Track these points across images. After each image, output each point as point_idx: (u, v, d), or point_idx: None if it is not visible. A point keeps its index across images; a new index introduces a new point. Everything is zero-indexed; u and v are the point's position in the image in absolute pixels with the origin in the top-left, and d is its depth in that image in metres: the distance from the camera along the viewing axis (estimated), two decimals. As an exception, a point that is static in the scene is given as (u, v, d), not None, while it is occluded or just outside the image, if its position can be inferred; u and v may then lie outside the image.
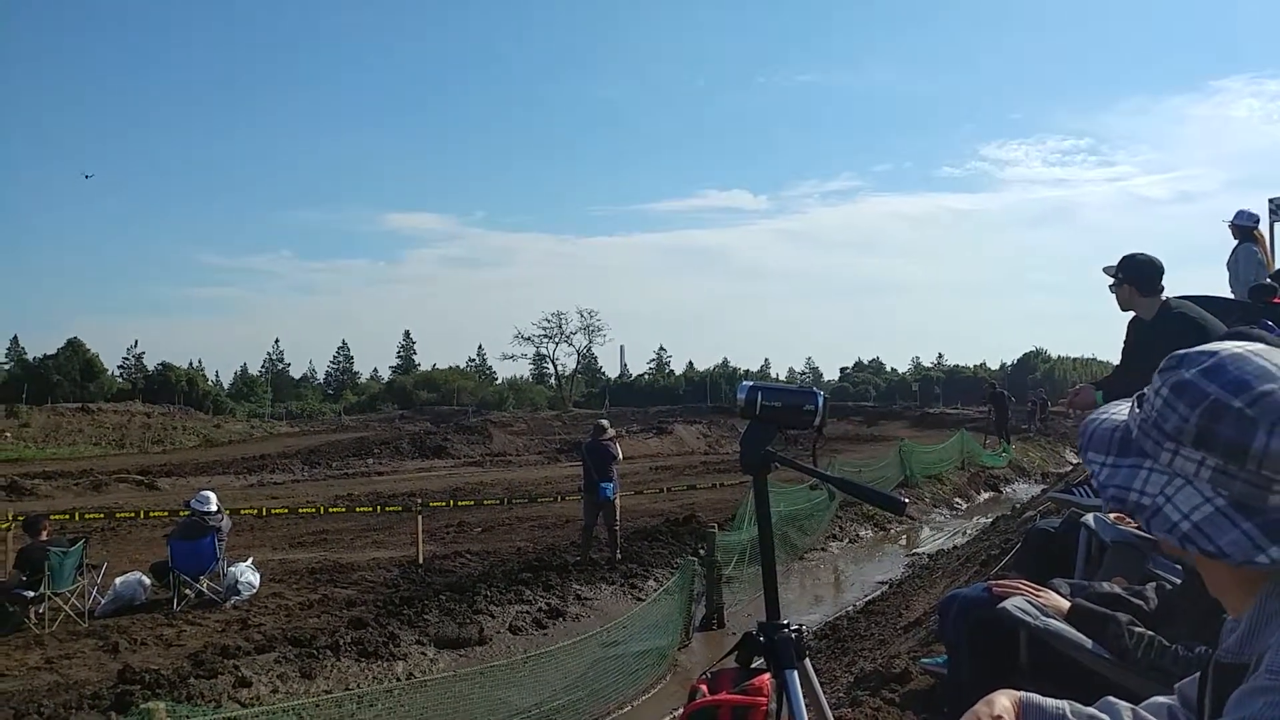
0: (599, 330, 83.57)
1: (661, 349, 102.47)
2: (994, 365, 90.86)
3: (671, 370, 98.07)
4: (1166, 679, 1.87)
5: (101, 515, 15.76)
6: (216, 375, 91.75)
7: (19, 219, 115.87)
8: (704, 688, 2.18)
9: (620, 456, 13.48)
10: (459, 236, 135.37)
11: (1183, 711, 1.32)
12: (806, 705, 1.98)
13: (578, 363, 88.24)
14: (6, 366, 74.83)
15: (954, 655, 3.54)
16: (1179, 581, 3.21)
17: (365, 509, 17.93)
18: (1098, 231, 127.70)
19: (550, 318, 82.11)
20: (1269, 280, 7.52)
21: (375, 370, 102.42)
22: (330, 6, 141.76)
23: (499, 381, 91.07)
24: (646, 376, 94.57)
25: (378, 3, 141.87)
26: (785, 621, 2.06)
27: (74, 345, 66.13)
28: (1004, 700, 1.40)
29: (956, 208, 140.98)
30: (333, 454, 32.91)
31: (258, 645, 9.06)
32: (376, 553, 14.41)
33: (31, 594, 10.07)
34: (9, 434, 37.75)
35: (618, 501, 13.06)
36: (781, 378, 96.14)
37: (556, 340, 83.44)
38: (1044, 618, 2.96)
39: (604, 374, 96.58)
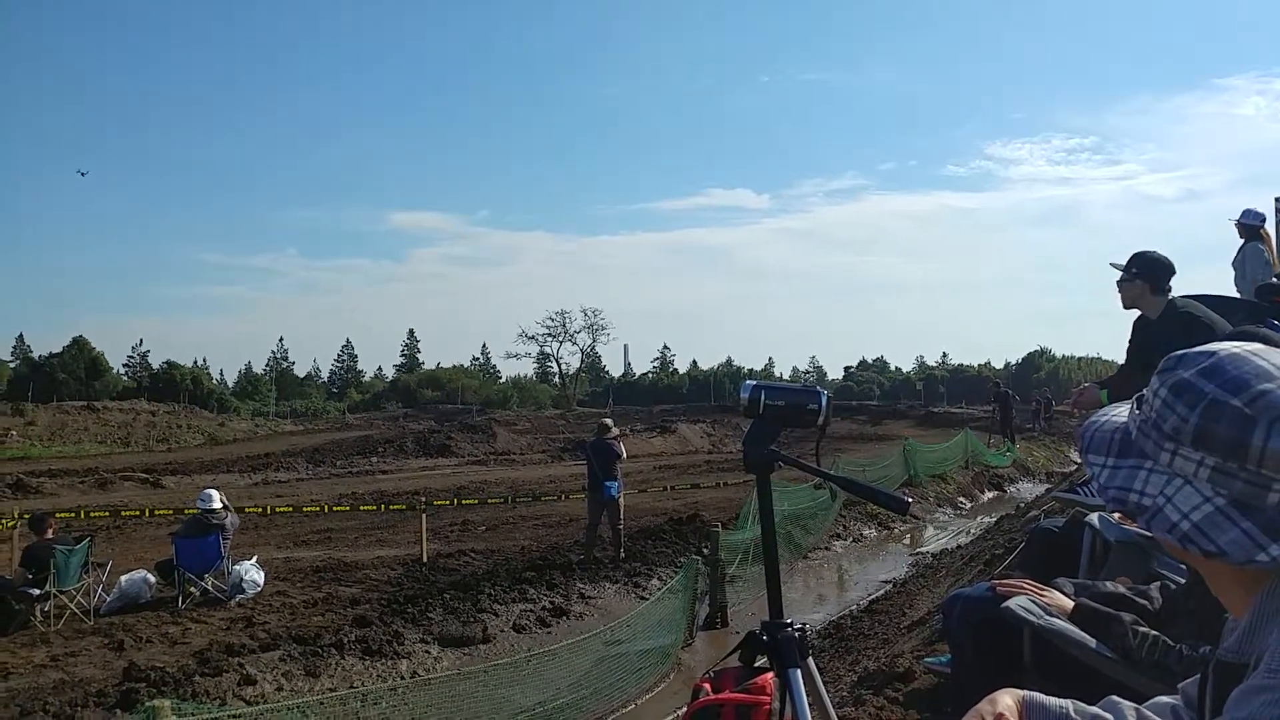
0: (603, 329, 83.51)
1: (665, 348, 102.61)
2: (998, 364, 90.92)
3: (675, 369, 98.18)
4: (1170, 679, 1.86)
5: (107, 513, 15.80)
6: (221, 374, 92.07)
7: (25, 218, 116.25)
8: (707, 686, 2.19)
9: (624, 455, 13.48)
10: (463, 235, 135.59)
11: (1186, 711, 1.32)
12: (810, 704, 1.98)
13: (582, 362, 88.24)
14: (12, 365, 74.98)
15: (958, 654, 3.54)
16: (1183, 581, 3.20)
17: (369, 507, 17.96)
18: (1103, 230, 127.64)
19: (554, 316, 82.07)
20: (1275, 279, 7.50)
21: (379, 369, 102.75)
22: (335, 5, 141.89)
23: (503, 380, 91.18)
24: (650, 375, 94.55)
25: (383, 1, 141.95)
26: (788, 620, 2.06)
27: (79, 344, 66.33)
28: (1007, 699, 1.40)
29: (961, 207, 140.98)
30: (337, 452, 32.96)
31: (262, 643, 9.07)
32: (381, 551, 14.43)
33: (37, 592, 10.09)
34: (15, 432, 37.85)
35: (622, 500, 13.07)
36: (786, 377, 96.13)
37: (560, 339, 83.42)
38: (1048, 617, 2.96)
39: (608, 373, 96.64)
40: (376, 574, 12.64)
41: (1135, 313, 4.87)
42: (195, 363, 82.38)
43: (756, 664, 2.12)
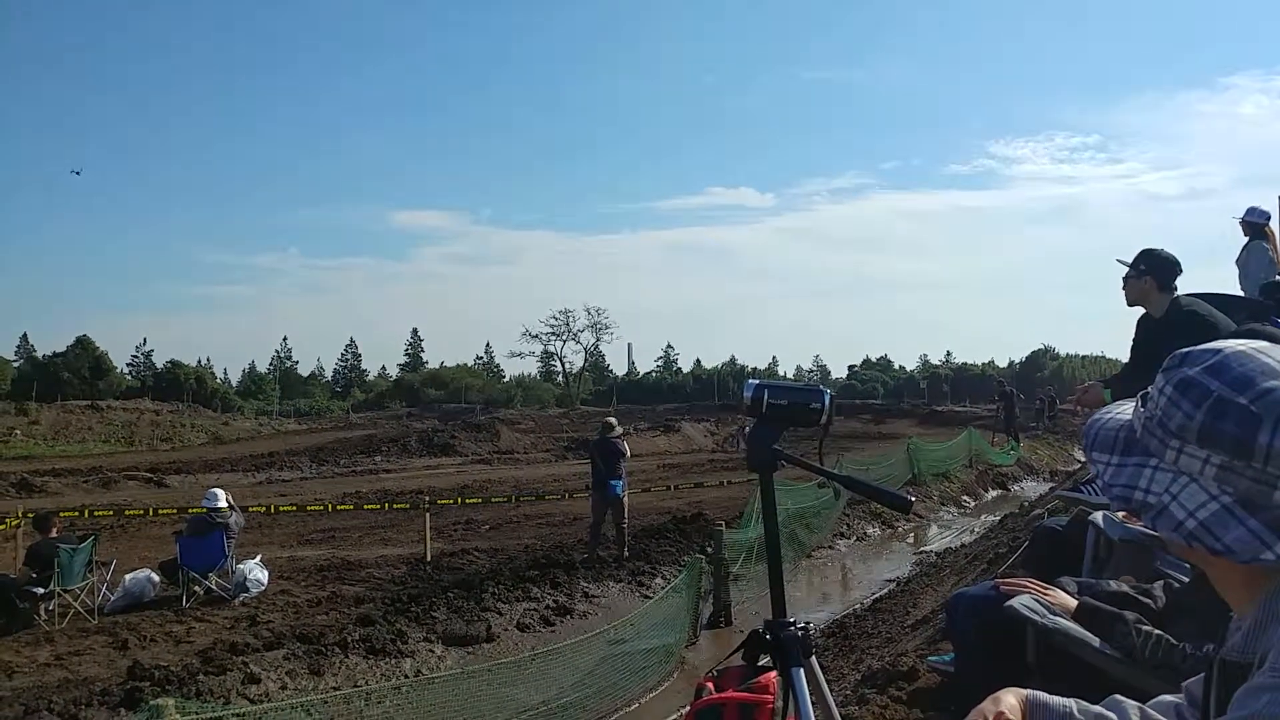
0: (606, 328, 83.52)
1: (669, 347, 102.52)
2: (1002, 363, 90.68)
3: (679, 368, 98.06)
4: (1174, 677, 1.86)
5: (111, 512, 15.84)
6: (225, 373, 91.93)
7: (28, 217, 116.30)
8: (710, 685, 2.19)
9: (628, 454, 13.49)
10: (467, 234, 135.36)
11: (1190, 710, 1.32)
12: (813, 703, 1.98)
13: (585, 360, 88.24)
14: (16, 364, 75.11)
15: (961, 653, 3.54)
16: (1187, 580, 3.20)
17: (373, 506, 17.98)
18: (1106, 229, 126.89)
19: (558, 315, 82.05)
20: None
21: (383, 368, 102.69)
22: (338, 3, 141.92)
23: (507, 379, 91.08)
24: (654, 374, 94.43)
25: (385, 1, 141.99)
26: (792, 619, 2.06)
27: (83, 343, 66.38)
28: (1010, 698, 1.40)
29: (965, 205, 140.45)
30: (341, 451, 33.00)
31: (266, 642, 9.09)
32: (384, 550, 14.45)
33: (41, 591, 10.11)
34: (19, 431, 37.91)
35: (626, 499, 13.08)
36: (790, 375, 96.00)
37: (564, 338, 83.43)
38: (1052, 616, 2.96)
39: (612, 372, 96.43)
40: (380, 573, 12.66)
41: (1139, 311, 4.87)
42: (199, 362, 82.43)
43: (760, 663, 2.12)
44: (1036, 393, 45.05)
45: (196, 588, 11.11)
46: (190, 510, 13.49)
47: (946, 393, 70.59)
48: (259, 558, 12.13)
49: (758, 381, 2.18)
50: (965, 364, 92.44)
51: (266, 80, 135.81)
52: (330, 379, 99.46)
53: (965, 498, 21.12)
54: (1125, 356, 5.29)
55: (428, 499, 15.46)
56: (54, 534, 10.67)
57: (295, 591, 11.70)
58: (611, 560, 12.69)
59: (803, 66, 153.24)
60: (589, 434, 23.79)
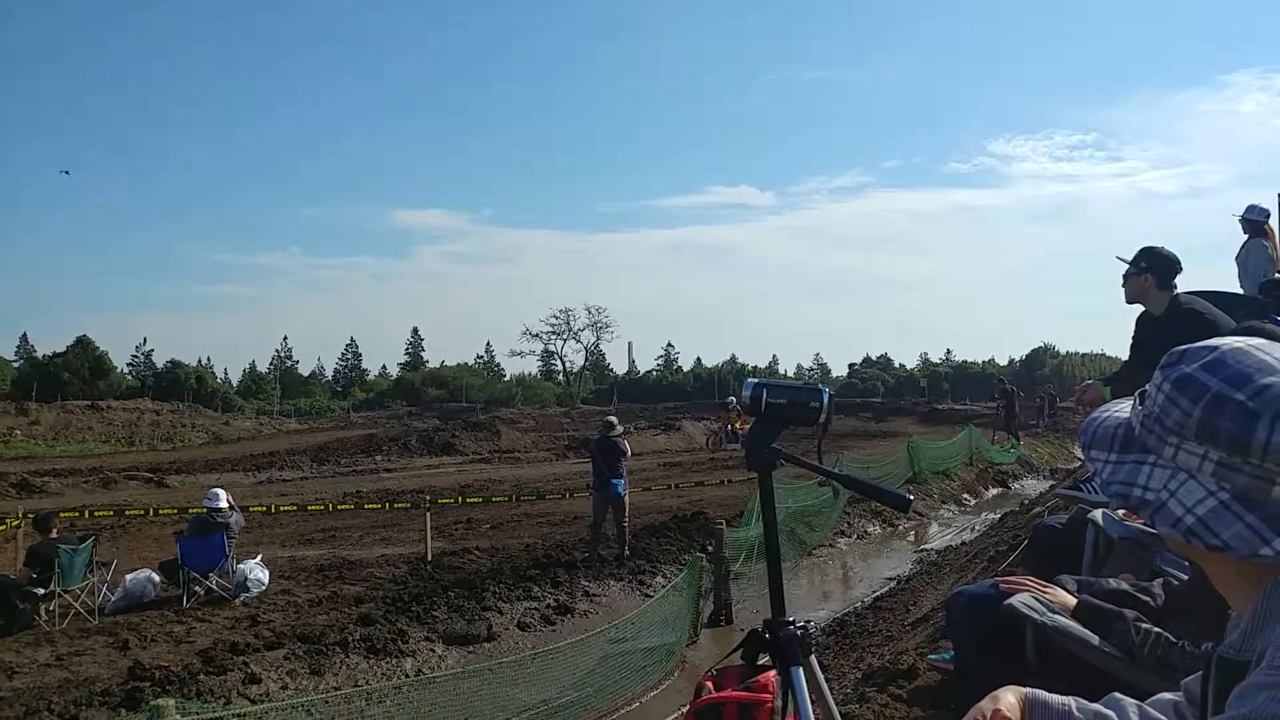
0: (607, 327, 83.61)
1: (670, 346, 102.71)
2: (1002, 361, 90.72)
3: (680, 367, 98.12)
4: (1173, 675, 1.86)
5: (111, 513, 15.83)
6: (225, 372, 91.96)
7: (28, 216, 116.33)
8: (710, 685, 2.19)
9: (629, 453, 13.49)
10: (467, 233, 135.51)
11: (1189, 708, 1.32)
12: (812, 701, 1.98)
13: (586, 359, 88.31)
14: (16, 364, 75.16)
15: (961, 651, 3.54)
16: (1186, 578, 3.20)
17: (374, 506, 17.97)
18: (1106, 227, 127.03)
19: (558, 314, 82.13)
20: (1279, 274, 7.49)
21: (384, 367, 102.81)
22: (338, 4, 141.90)
23: (507, 378, 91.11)
24: (655, 373, 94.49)
25: (387, 0, 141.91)
26: (791, 618, 2.06)
27: (83, 343, 66.32)
28: (1010, 696, 1.40)
29: (964, 203, 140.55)
30: (341, 451, 32.99)
31: (267, 642, 9.09)
32: (385, 549, 14.45)
33: (42, 591, 10.12)
34: (19, 431, 37.92)
35: (627, 498, 13.09)
36: (790, 374, 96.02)
37: (565, 337, 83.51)
38: (1051, 614, 2.96)
39: (612, 371, 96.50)
40: (381, 572, 12.66)
41: (1139, 309, 4.87)
42: (199, 361, 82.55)
43: (759, 662, 2.12)
44: (1036, 391, 45.05)
45: (197, 588, 11.11)
46: (191, 510, 13.49)
47: (947, 391, 70.62)
48: (259, 558, 12.13)
49: (757, 380, 2.18)
50: (965, 362, 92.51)
51: (266, 79, 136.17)
52: (331, 378, 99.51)
53: (965, 496, 21.11)
54: (1125, 354, 5.30)
55: (428, 498, 15.46)
56: (54, 534, 10.67)
57: (296, 591, 11.70)
58: (612, 559, 12.69)
59: (803, 65, 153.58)
60: (590, 433, 23.79)
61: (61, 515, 12.16)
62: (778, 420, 2.15)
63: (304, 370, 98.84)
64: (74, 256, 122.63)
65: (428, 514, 13.83)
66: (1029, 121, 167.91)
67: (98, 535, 11.82)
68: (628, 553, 12.92)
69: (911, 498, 2.23)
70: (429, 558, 13.20)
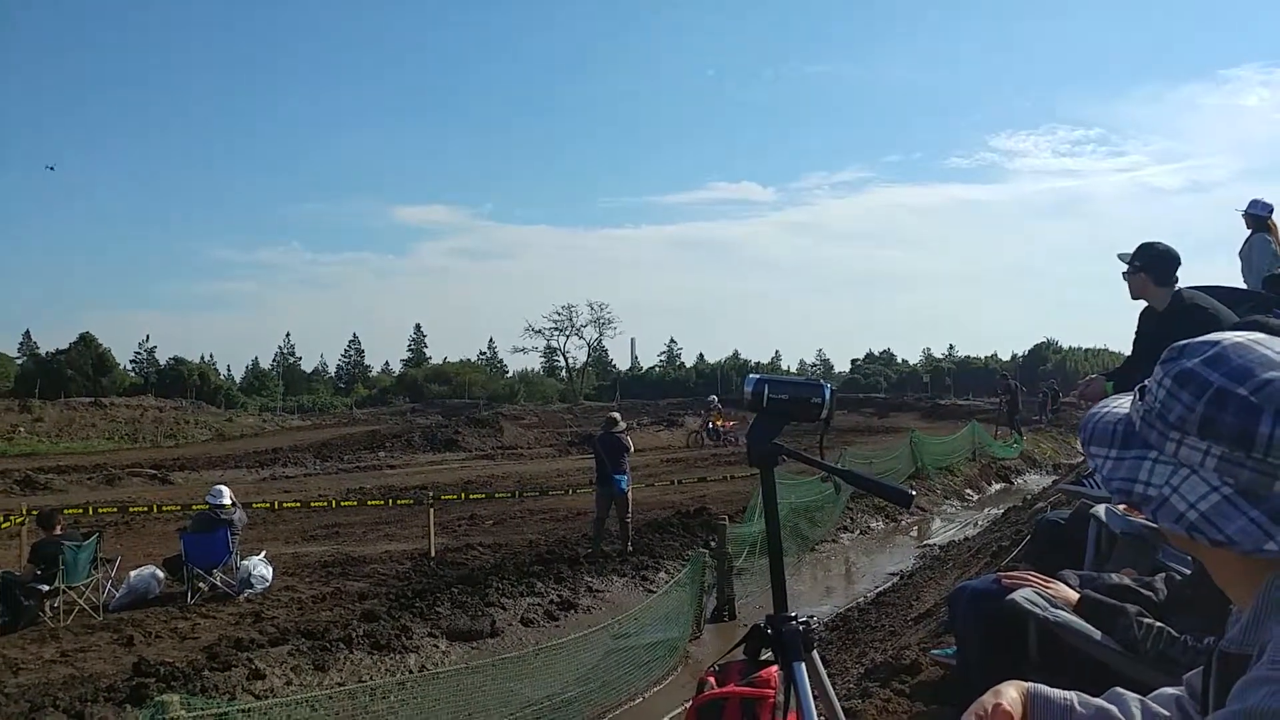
0: (609, 323, 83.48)
1: (672, 341, 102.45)
2: (1005, 356, 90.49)
3: (682, 363, 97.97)
4: (1175, 670, 1.86)
5: (115, 509, 15.88)
6: (228, 369, 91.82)
7: (30, 214, 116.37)
8: (712, 680, 2.19)
9: (632, 449, 13.51)
10: (469, 229, 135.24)
11: (1190, 703, 1.32)
12: (815, 697, 1.99)
13: (588, 356, 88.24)
14: (19, 361, 75.19)
15: (964, 646, 3.54)
16: (1188, 573, 3.20)
17: (377, 502, 18.00)
18: (1108, 222, 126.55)
19: (560, 310, 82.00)
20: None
21: (386, 363, 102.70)
22: (339, 3, 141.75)
23: (510, 374, 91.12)
24: (657, 369, 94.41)
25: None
26: (793, 614, 2.07)
27: (86, 340, 66.37)
28: (1012, 691, 1.40)
29: (966, 198, 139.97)
30: (344, 447, 33.02)
31: (271, 638, 9.11)
32: (388, 546, 14.47)
33: (46, 588, 10.15)
34: (22, 429, 37.97)
35: (630, 494, 13.09)
36: (793, 369, 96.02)
37: (567, 333, 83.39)
38: (1053, 609, 2.96)
39: (615, 367, 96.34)
40: (384, 568, 12.68)
41: (1142, 304, 4.87)
42: (202, 358, 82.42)
43: (761, 657, 2.13)
44: (1039, 386, 44.97)
45: (201, 584, 11.14)
46: (194, 507, 13.53)
47: (949, 386, 70.48)
48: (263, 554, 12.15)
49: (758, 376, 2.18)
50: (968, 357, 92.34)
51: (267, 76, 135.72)
52: (333, 375, 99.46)
53: (968, 491, 21.11)
54: (1128, 350, 5.30)
55: (431, 494, 15.48)
56: (58, 531, 10.70)
57: (299, 587, 11.72)
58: (615, 555, 12.71)
59: (804, 61, 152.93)
60: (592, 429, 23.78)
61: (65, 512, 12.20)
62: (779, 416, 2.15)
63: (307, 367, 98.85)
64: (76, 254, 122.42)
65: (431, 510, 13.85)
66: (1030, 116, 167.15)
67: (102, 532, 11.84)
68: (631, 548, 12.94)
69: (914, 493, 2.23)
70: (432, 554, 13.22)
